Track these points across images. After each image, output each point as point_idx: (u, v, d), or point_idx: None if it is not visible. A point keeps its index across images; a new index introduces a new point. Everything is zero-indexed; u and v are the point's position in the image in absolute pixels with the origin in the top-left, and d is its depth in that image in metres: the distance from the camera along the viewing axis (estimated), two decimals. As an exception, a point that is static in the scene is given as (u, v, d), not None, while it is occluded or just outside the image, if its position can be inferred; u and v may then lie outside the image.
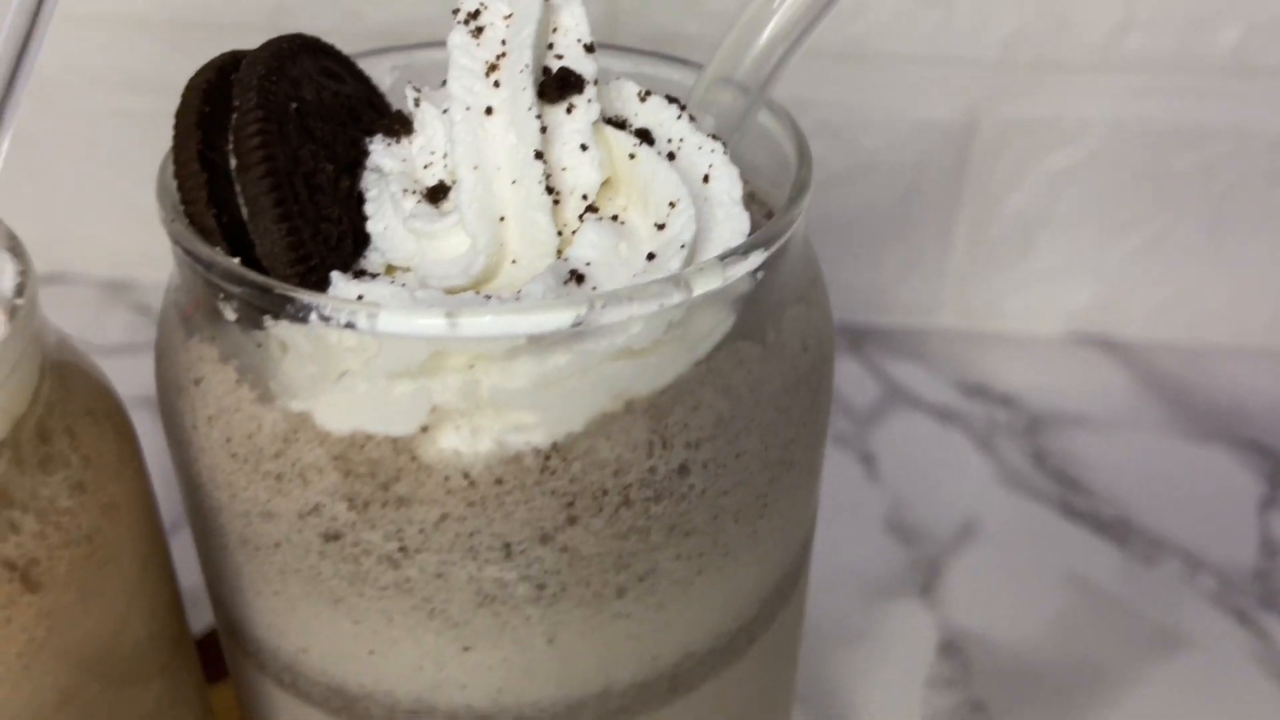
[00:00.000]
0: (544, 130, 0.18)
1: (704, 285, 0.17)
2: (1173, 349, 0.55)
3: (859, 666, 0.39)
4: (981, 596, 0.43)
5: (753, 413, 0.18)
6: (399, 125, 0.20)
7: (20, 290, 0.18)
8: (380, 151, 0.20)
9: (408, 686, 0.19)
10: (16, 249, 0.19)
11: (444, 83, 0.20)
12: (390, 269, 0.19)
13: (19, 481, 0.16)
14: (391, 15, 0.50)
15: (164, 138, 0.20)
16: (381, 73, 0.23)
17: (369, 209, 0.19)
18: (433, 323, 0.16)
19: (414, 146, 0.20)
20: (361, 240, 0.19)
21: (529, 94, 0.18)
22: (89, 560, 0.16)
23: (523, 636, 0.18)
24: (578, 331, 0.16)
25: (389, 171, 0.19)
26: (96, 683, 0.16)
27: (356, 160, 0.20)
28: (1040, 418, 0.51)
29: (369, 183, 0.20)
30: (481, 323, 0.16)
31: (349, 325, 0.16)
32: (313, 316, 0.17)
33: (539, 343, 0.16)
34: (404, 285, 0.18)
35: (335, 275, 0.18)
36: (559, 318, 0.16)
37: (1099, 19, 0.47)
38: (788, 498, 0.20)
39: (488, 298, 0.17)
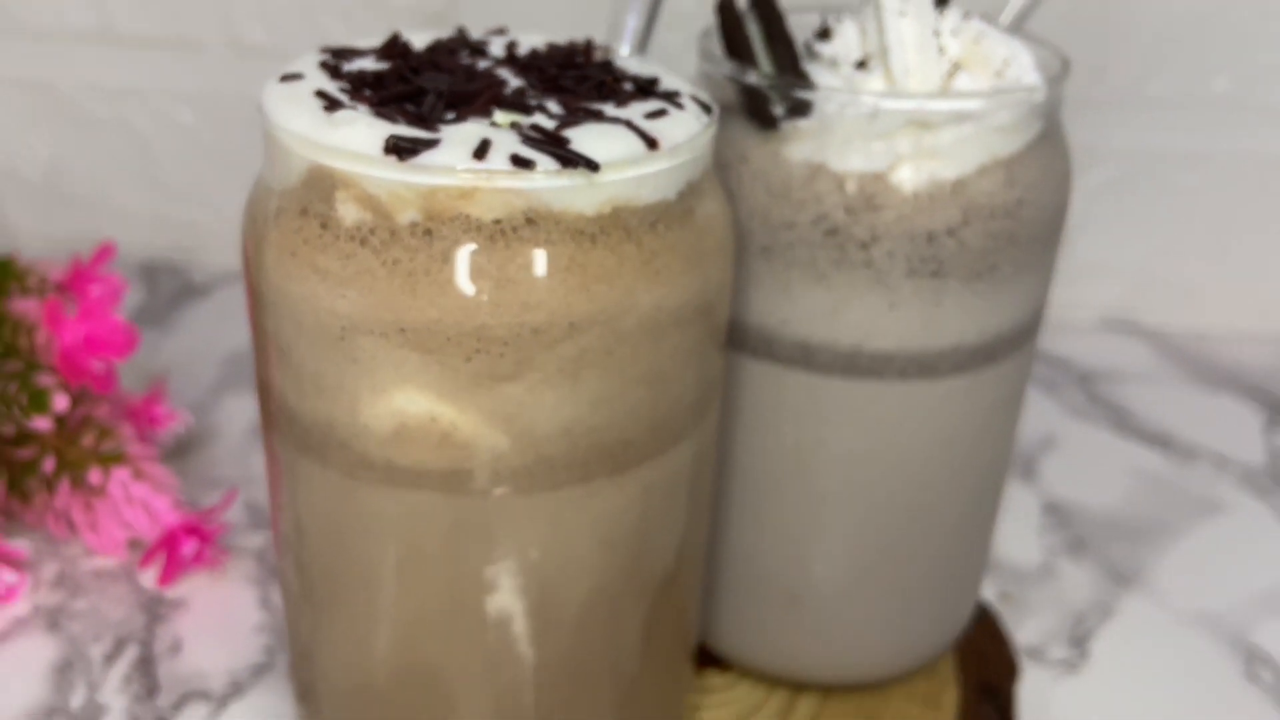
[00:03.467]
0: (933, 25, 0.33)
1: (1039, 96, 0.32)
2: (1182, 333, 0.71)
3: (999, 519, 0.53)
4: (1067, 480, 0.57)
5: (1050, 178, 0.33)
6: (827, 30, 0.35)
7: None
8: (818, 44, 0.35)
9: (851, 336, 0.33)
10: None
11: (833, 18, 0.35)
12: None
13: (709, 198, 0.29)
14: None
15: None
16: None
17: (813, 72, 0.34)
18: (912, 103, 0.31)
19: (837, 42, 0.35)
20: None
21: (930, 5, 0.33)
22: (717, 240, 0.30)
23: (925, 299, 0.33)
24: (990, 111, 0.31)
25: (825, 53, 0.34)
26: (706, 343, 0.30)
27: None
28: (1089, 373, 0.66)
29: (806, 60, 0.35)
30: (946, 103, 0.31)
31: (867, 113, 0.31)
32: (846, 110, 0.31)
33: (964, 117, 0.31)
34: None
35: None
36: (978, 104, 0.31)
37: (1127, 66, 0.65)
38: (1056, 243, 0.35)
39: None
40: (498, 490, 0.27)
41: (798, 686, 0.41)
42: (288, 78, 0.28)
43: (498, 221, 0.25)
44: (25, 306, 0.47)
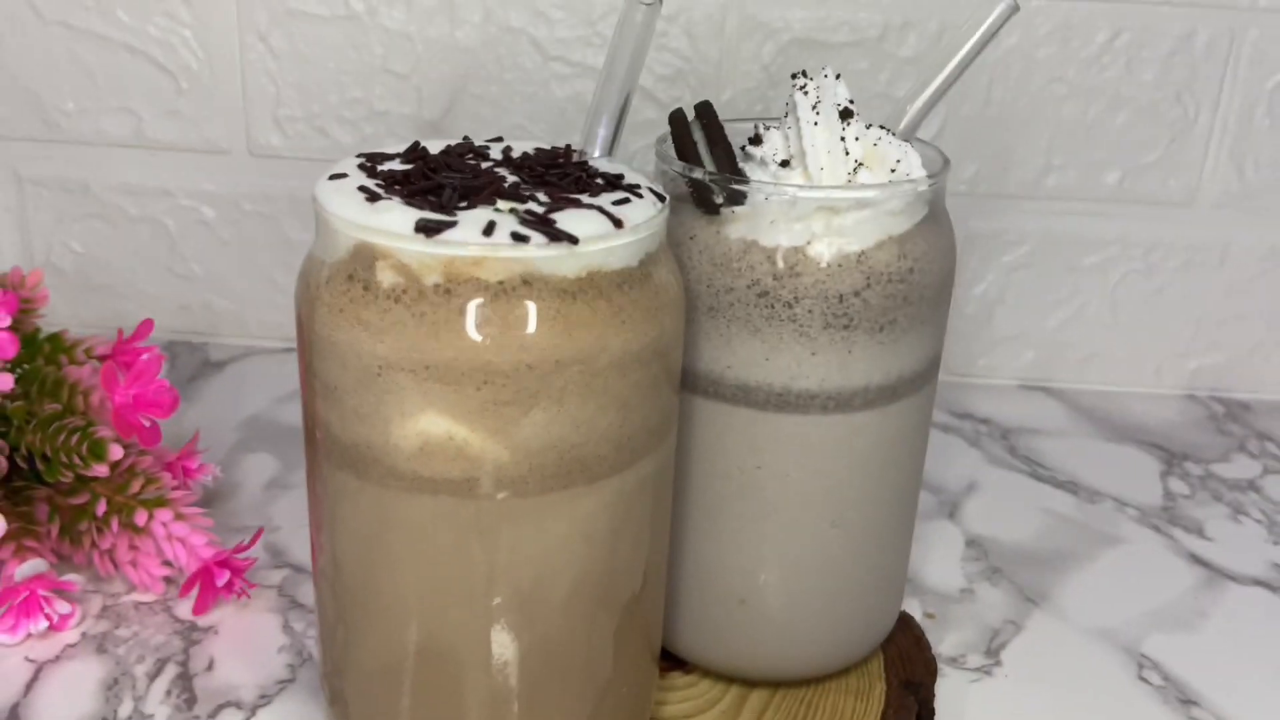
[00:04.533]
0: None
1: (923, 187, 0.41)
2: (1090, 394, 0.79)
3: (926, 551, 0.61)
4: (987, 519, 0.65)
5: (936, 251, 0.42)
6: (758, 137, 0.44)
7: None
8: (750, 148, 0.44)
9: (780, 379, 0.41)
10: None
11: (762, 127, 0.44)
12: (760, 197, 0.43)
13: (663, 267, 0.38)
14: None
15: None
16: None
17: (746, 169, 0.43)
18: (823, 194, 0.40)
19: (766, 146, 0.43)
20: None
21: (837, 118, 0.42)
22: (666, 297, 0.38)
23: (839, 347, 0.41)
24: (884, 199, 0.40)
25: (756, 154, 0.43)
26: (662, 381, 0.38)
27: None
28: (1009, 429, 0.74)
29: (741, 160, 0.44)
30: (849, 192, 0.40)
31: (788, 201, 0.40)
32: (771, 198, 0.40)
33: (865, 204, 0.40)
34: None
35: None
36: (881, 192, 0.40)
37: (1029, 163, 0.74)
38: (945, 305, 0.43)
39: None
40: (500, 494, 0.35)
41: (749, 683, 0.48)
42: (335, 176, 0.37)
43: (501, 283, 0.33)
44: (80, 373, 0.55)
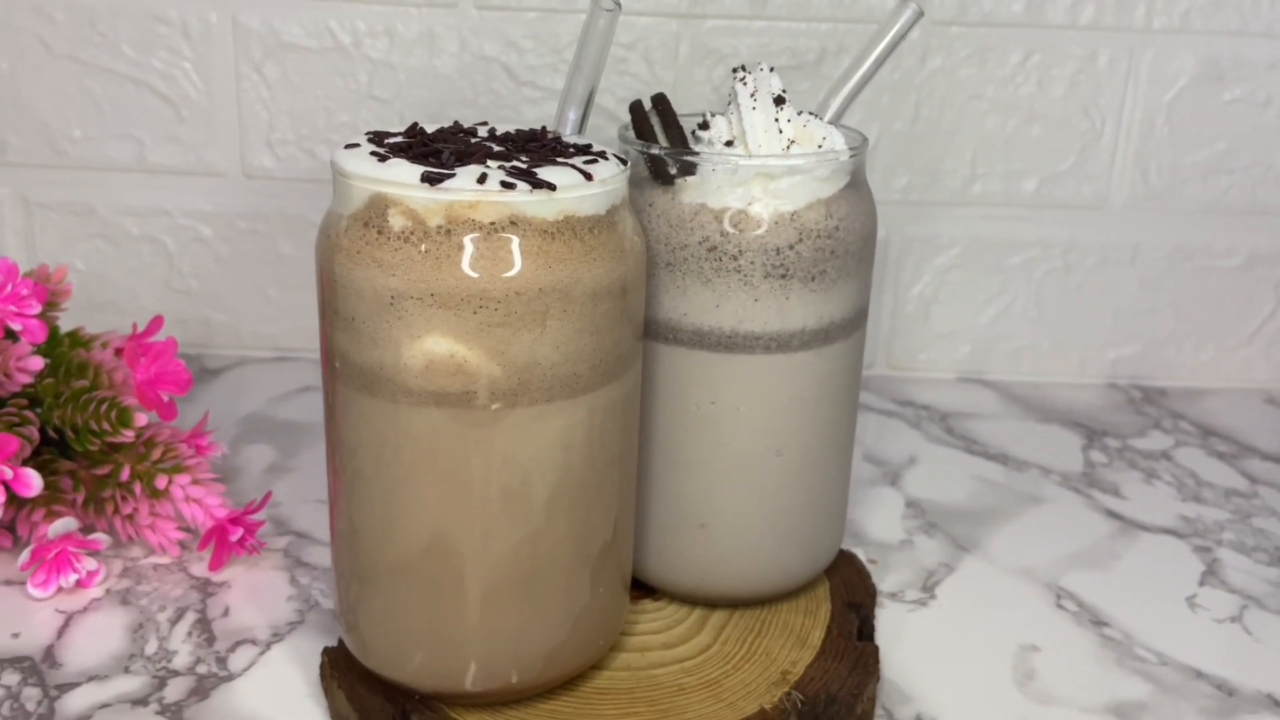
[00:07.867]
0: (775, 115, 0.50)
1: (844, 158, 0.48)
2: (1021, 384, 0.87)
3: (869, 511, 0.68)
4: (925, 486, 0.72)
5: (857, 213, 0.49)
6: (706, 124, 0.51)
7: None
8: (700, 132, 0.51)
9: (729, 323, 0.48)
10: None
11: (709, 115, 0.51)
12: (708, 172, 0.50)
13: (627, 221, 0.45)
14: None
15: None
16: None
17: (696, 148, 0.50)
18: (759, 162, 0.47)
19: (713, 130, 0.51)
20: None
21: (772, 104, 0.49)
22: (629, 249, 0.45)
23: (778, 295, 0.48)
24: (812, 167, 0.47)
25: (704, 137, 0.50)
26: (626, 316, 0.44)
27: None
28: (947, 413, 0.81)
29: (691, 143, 0.51)
30: (782, 160, 0.47)
31: (731, 168, 0.47)
32: (717, 168, 0.47)
33: (796, 170, 0.47)
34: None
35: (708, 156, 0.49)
36: (808, 160, 0.47)
37: (956, 173, 0.82)
38: (869, 262, 0.50)
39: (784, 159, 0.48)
40: (493, 406, 0.41)
41: (711, 605, 0.54)
42: (349, 146, 0.43)
43: (492, 223, 0.40)
44: (103, 356, 0.60)
